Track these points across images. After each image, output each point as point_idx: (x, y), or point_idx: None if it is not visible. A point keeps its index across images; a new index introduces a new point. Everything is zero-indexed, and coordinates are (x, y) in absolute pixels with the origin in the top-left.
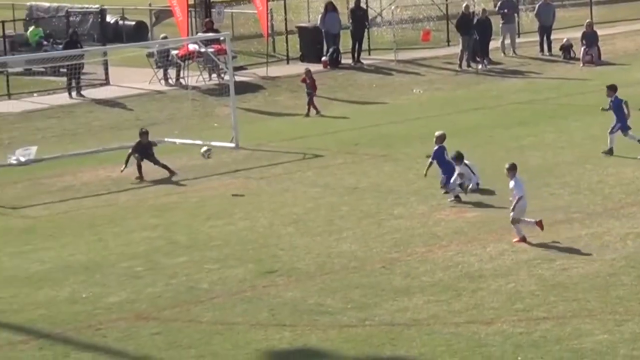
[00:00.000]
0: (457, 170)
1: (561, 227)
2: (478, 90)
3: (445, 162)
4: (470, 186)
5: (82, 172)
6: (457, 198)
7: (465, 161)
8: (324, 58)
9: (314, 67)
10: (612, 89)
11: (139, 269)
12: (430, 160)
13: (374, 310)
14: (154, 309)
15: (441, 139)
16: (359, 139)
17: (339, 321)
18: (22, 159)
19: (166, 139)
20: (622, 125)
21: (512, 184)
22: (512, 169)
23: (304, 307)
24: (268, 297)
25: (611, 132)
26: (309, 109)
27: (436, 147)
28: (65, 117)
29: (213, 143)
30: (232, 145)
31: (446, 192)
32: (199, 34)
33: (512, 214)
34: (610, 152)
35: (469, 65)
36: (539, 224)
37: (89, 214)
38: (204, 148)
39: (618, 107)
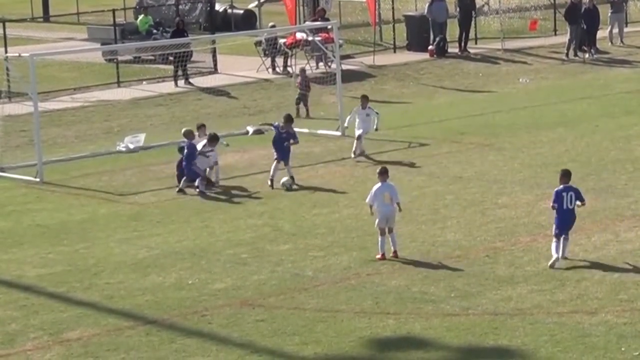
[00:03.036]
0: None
1: None
2: (584, 80)
3: None
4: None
5: None
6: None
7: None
8: (430, 47)
9: (421, 56)
10: (288, 119)
11: (244, 256)
12: None
13: (478, 299)
14: (259, 296)
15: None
16: (464, 127)
17: (442, 310)
18: (131, 146)
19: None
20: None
21: (377, 186)
22: (384, 172)
23: (407, 295)
24: (372, 285)
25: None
26: (299, 110)
27: None
28: (173, 104)
29: (319, 131)
30: (338, 133)
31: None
32: (307, 23)
33: (376, 222)
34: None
35: (575, 55)
36: (383, 256)
37: (195, 201)
38: (285, 178)
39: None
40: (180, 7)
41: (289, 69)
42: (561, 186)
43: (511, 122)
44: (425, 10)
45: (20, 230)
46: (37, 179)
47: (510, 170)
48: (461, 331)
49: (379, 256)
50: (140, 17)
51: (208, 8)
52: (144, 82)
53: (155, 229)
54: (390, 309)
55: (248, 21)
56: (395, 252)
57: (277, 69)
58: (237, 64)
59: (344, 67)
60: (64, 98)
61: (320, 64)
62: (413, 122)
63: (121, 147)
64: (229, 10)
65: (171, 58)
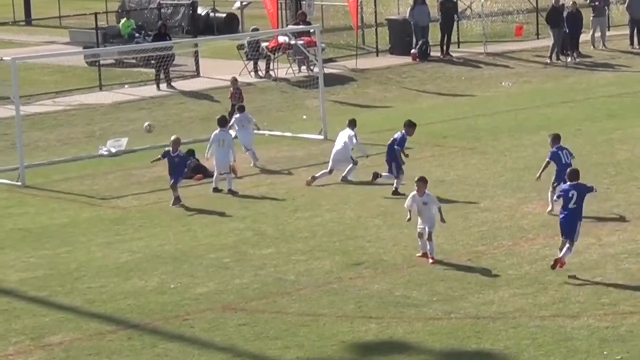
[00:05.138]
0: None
1: None
2: (567, 84)
3: None
4: None
5: None
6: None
7: None
8: (413, 50)
9: (403, 60)
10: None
11: (226, 260)
12: None
13: (460, 303)
14: (241, 300)
15: None
16: (447, 131)
17: (424, 314)
18: (113, 150)
19: (255, 131)
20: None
21: (428, 198)
22: (423, 181)
23: (390, 299)
24: (354, 289)
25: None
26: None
27: None
28: (155, 108)
29: (301, 135)
30: (321, 137)
31: None
32: (289, 26)
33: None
34: None
35: (558, 58)
36: (424, 255)
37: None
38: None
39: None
40: (162, 10)
41: (271, 72)
42: (554, 148)
43: (494, 126)
44: (408, 14)
45: (2, 234)
46: (19, 183)
47: (493, 173)
48: (443, 335)
49: (419, 254)
50: (123, 20)
51: (190, 12)
52: (126, 86)
53: (137, 233)
54: (373, 313)
55: (230, 25)
56: (425, 253)
57: (260, 73)
58: (220, 68)
59: (327, 70)
60: (46, 102)
61: (303, 67)
62: (395, 126)
63: (103, 151)
64: (212, 14)
65: (153, 62)
